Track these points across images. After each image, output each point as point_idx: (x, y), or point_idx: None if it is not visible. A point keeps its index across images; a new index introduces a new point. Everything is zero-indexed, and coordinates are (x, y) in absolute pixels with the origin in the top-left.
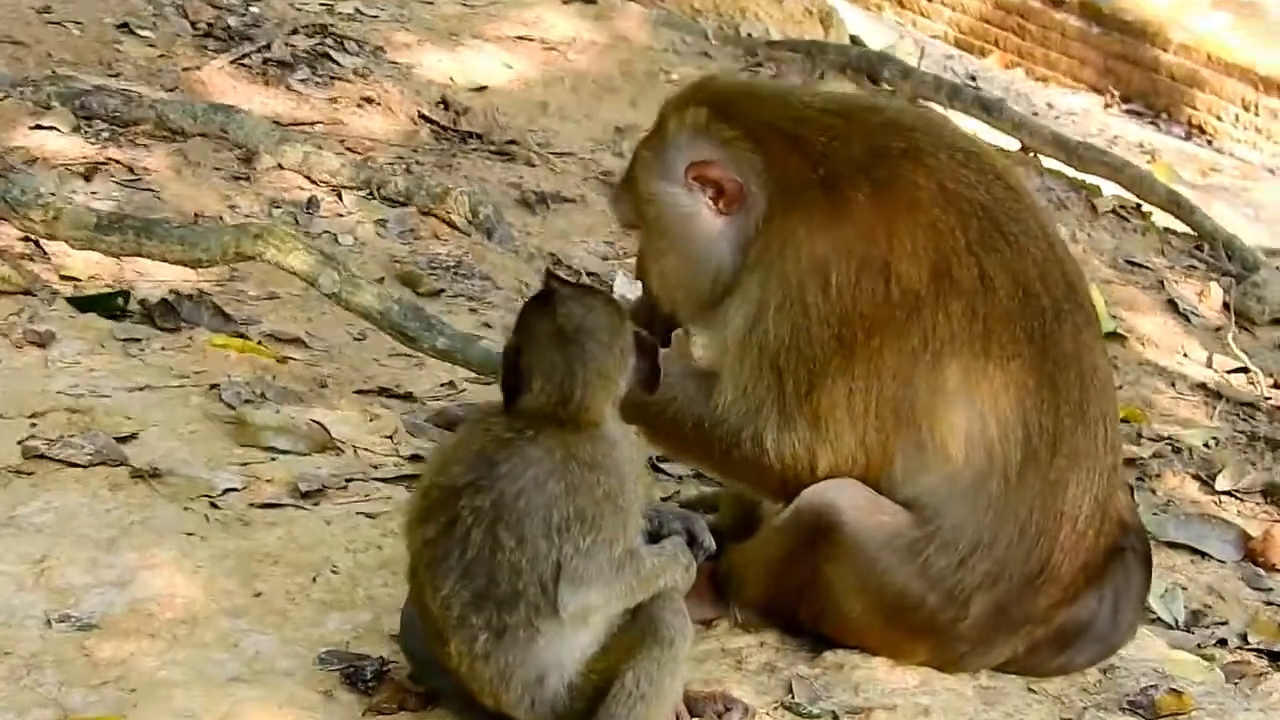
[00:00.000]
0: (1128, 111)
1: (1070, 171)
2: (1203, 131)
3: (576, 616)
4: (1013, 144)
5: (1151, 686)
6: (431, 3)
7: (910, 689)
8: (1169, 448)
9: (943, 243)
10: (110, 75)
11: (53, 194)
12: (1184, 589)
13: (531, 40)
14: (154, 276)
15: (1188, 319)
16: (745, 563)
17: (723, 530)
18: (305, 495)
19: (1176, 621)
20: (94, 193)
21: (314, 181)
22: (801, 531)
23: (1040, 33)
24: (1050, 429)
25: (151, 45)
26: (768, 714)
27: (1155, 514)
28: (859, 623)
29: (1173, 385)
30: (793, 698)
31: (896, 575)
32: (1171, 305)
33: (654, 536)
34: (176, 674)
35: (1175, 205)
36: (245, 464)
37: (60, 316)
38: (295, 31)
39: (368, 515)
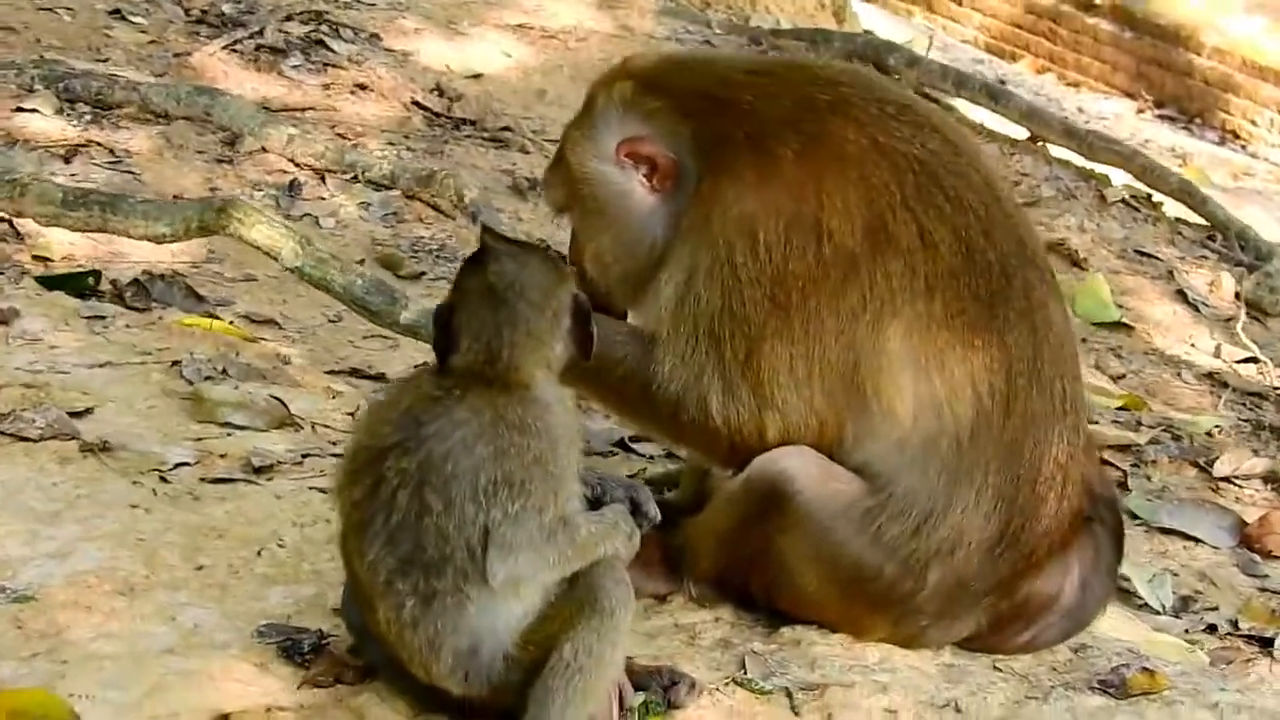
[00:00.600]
0: (1160, 116)
1: (1080, 161)
2: (1236, 136)
3: (506, 585)
4: (1021, 133)
5: (1123, 665)
6: None
7: (869, 665)
8: (1168, 435)
9: (876, 198)
10: (99, 60)
11: (28, 173)
12: (1174, 575)
13: (532, 28)
14: (129, 258)
15: (1197, 309)
16: (698, 535)
17: (682, 506)
18: (258, 470)
19: (1164, 607)
20: (73, 174)
21: (297, 165)
22: (753, 501)
23: (1072, 37)
24: (1002, 389)
25: (143, 31)
26: (719, 689)
27: (1149, 500)
28: (814, 596)
29: (1179, 375)
30: (745, 674)
31: (851, 545)
32: (1181, 295)
33: (596, 504)
34: (110, 646)
35: (1187, 195)
36: (200, 439)
37: (26, 294)
38: (289, 18)
39: (320, 490)
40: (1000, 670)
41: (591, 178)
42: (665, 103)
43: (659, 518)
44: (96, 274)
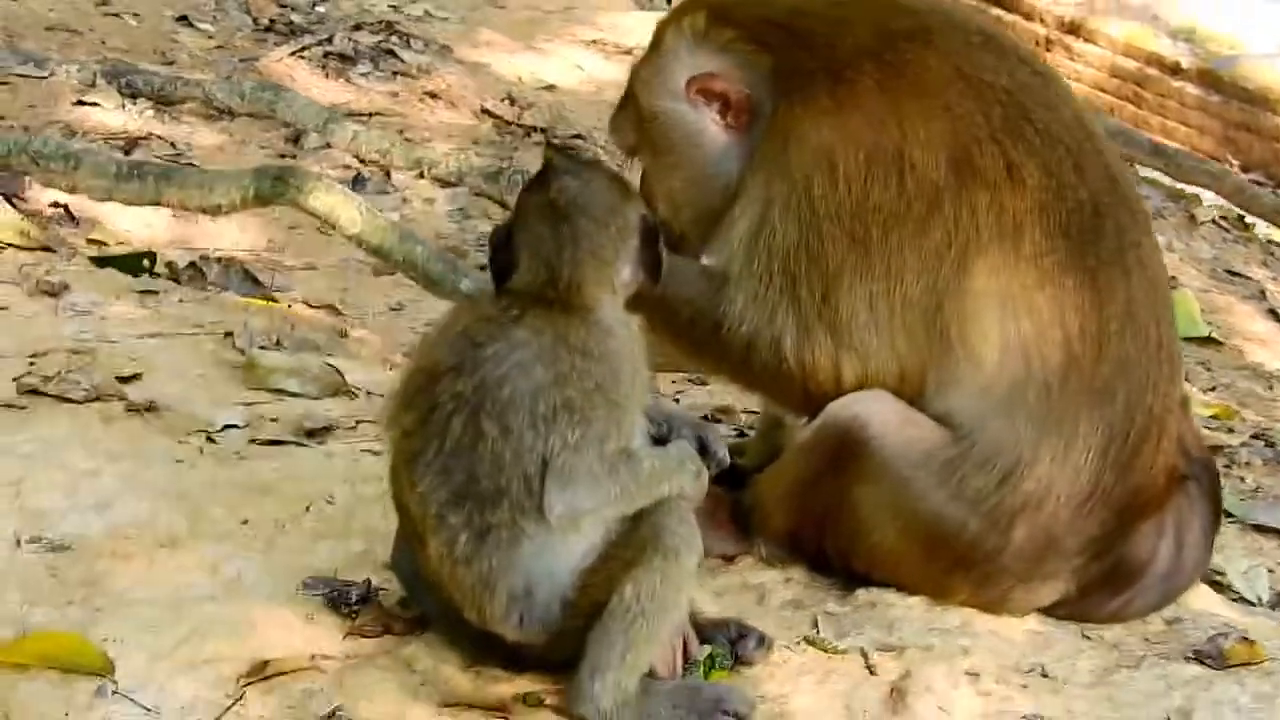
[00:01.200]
0: (1248, 181)
1: (1169, 181)
2: None
3: (564, 520)
4: None
5: (1220, 635)
6: (504, 7)
7: (950, 629)
8: (1260, 441)
9: (961, 129)
10: (165, 64)
11: (81, 147)
12: (1270, 571)
13: (606, 43)
14: (187, 244)
15: None
16: (768, 488)
17: (749, 469)
18: (310, 434)
19: (1259, 599)
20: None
21: (363, 161)
22: (827, 449)
23: (1157, 101)
24: (1093, 332)
25: (209, 37)
26: (789, 648)
27: (1242, 499)
28: (892, 553)
29: (1270, 388)
30: (818, 633)
31: (931, 497)
32: (1272, 314)
33: (662, 443)
34: (147, 593)
35: None
36: (250, 404)
37: (79, 271)
38: (359, 28)
39: (374, 453)
40: (1089, 639)
41: (662, 117)
42: (738, 34)
43: (728, 460)
44: (152, 255)
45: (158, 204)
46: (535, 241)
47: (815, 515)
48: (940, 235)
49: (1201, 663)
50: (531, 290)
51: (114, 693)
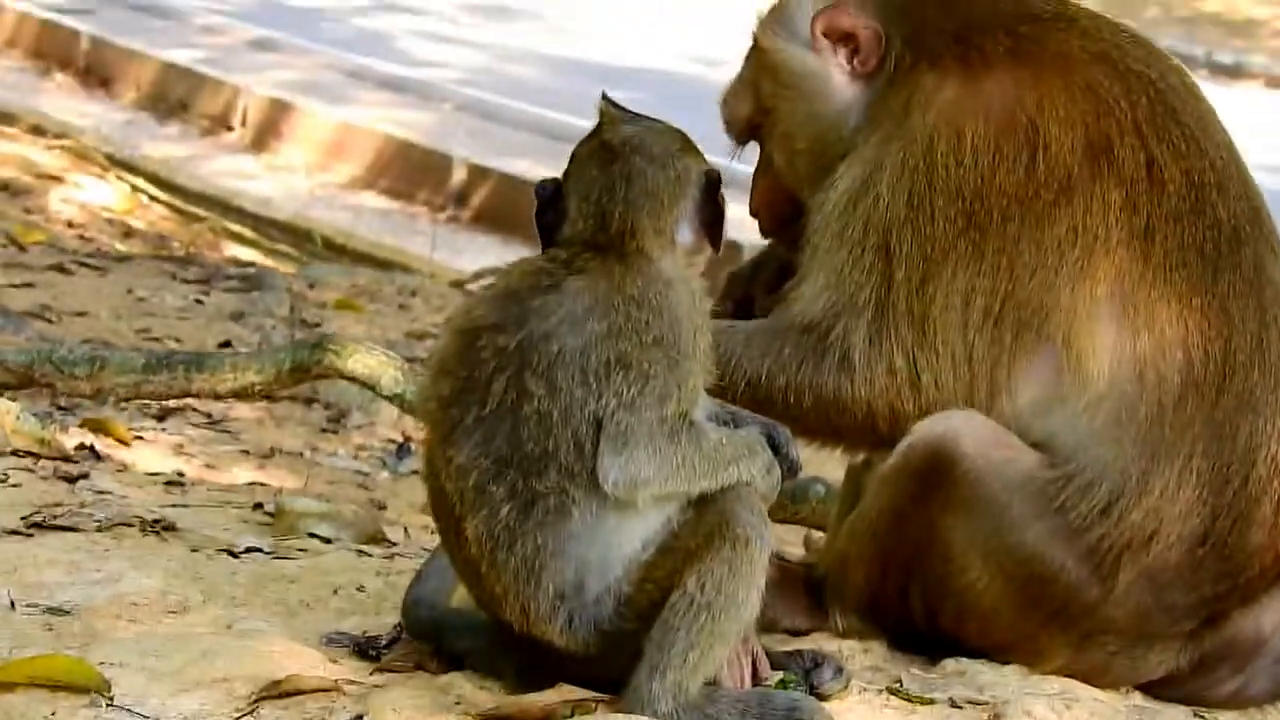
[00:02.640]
0: None
1: None
2: None
3: (621, 489)
4: None
5: None
6: None
7: (1048, 694)
8: None
9: (1104, 113)
10: None
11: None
12: None
13: None
14: (215, 484)
15: None
16: (847, 539)
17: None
18: None
19: None
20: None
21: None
22: (913, 473)
23: None
24: (1218, 360)
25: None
26: (869, 691)
27: None
28: (984, 598)
29: None
30: (902, 686)
31: (1029, 528)
32: None
33: None
34: (153, 642)
35: None
36: (280, 541)
37: (100, 470)
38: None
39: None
40: (1203, 718)
41: (784, 64)
42: None
43: (800, 463)
44: (179, 481)
45: (188, 394)
46: (586, 186)
47: (900, 559)
48: (1065, 230)
49: None
50: (582, 238)
51: (109, 705)
